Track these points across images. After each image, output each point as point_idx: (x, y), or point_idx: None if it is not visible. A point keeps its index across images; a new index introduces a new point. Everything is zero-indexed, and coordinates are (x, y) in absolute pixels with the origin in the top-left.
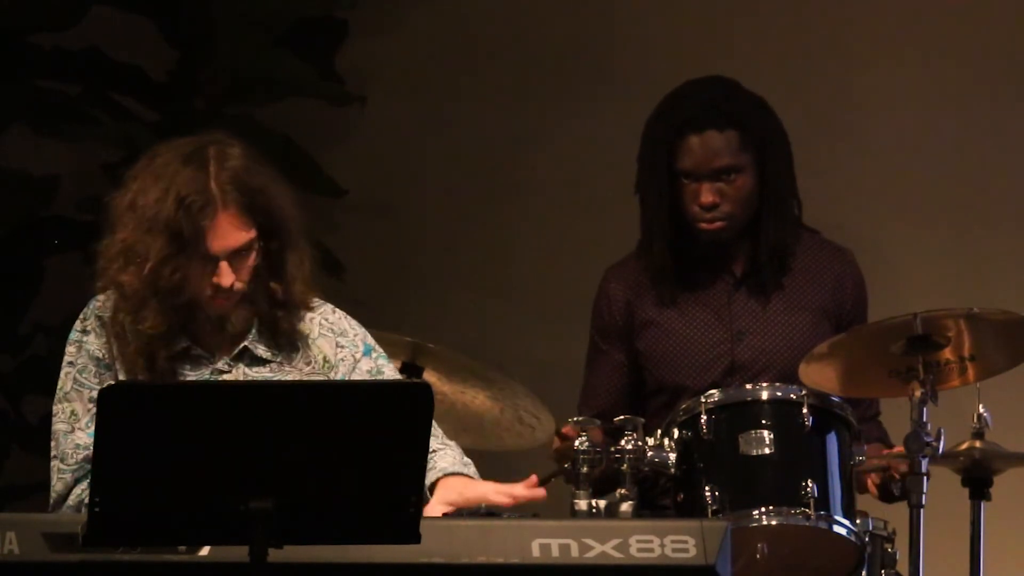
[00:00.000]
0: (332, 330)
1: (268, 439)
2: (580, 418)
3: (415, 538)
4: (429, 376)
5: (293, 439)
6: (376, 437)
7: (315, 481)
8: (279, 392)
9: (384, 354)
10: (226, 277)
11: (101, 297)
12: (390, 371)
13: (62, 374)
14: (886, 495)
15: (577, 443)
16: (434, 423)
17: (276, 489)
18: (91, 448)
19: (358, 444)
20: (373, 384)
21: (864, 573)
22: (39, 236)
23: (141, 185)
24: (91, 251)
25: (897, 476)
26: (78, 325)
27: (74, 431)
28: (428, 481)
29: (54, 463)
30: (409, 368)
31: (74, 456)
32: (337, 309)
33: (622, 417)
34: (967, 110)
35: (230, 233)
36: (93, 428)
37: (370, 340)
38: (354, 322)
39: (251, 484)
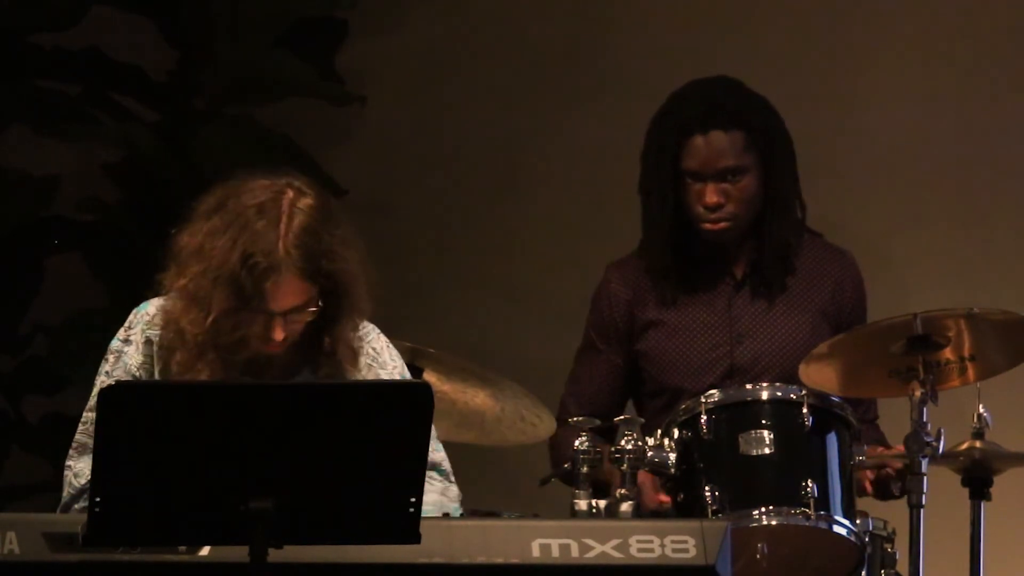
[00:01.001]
0: (375, 361)
1: (268, 439)
2: (580, 418)
3: (415, 538)
4: (429, 376)
5: (293, 439)
6: (376, 437)
7: (315, 481)
8: (279, 392)
9: None
10: (279, 332)
11: (152, 310)
12: None
13: (97, 381)
14: (883, 492)
15: (577, 443)
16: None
17: (276, 489)
18: None
19: (358, 444)
20: (373, 384)
21: (864, 573)
22: (39, 236)
23: (212, 228)
24: (153, 282)
25: (894, 473)
26: (121, 333)
27: None
28: None
29: (67, 473)
30: (409, 369)
31: (89, 474)
32: (381, 335)
33: (622, 417)
34: (968, 110)
35: (290, 294)
36: None
37: (406, 372)
38: (394, 352)
39: (251, 484)
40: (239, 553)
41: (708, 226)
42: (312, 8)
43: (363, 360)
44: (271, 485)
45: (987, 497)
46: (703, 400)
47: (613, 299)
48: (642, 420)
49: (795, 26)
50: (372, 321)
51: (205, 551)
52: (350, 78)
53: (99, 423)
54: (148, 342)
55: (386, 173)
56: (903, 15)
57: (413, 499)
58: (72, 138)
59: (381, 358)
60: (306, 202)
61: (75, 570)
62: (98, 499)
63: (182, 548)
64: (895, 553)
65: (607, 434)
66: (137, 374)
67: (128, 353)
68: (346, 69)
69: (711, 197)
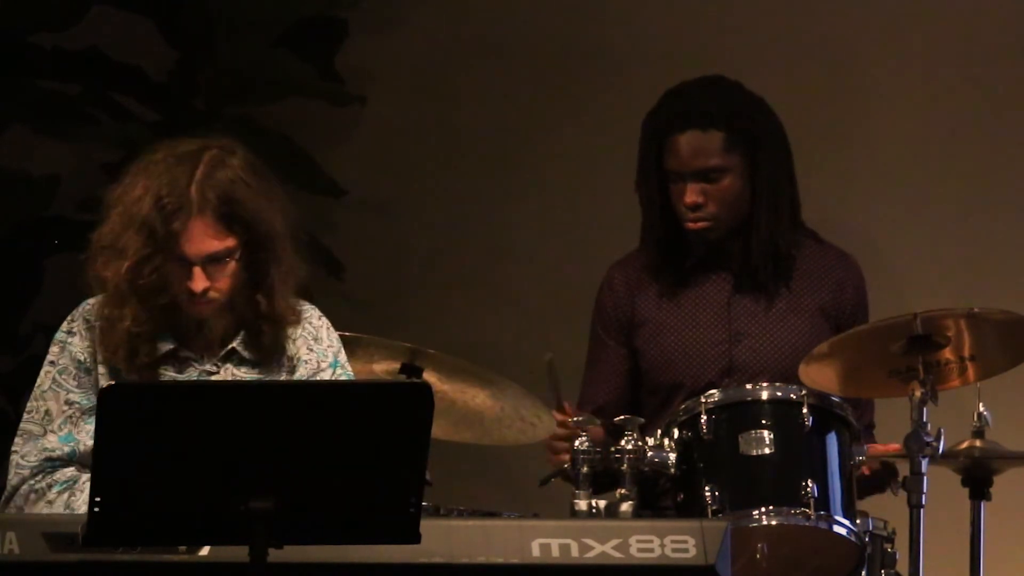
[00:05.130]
0: (311, 335)
1: (268, 439)
2: (580, 418)
3: (415, 538)
4: (428, 376)
5: (293, 439)
6: (376, 437)
7: (315, 481)
8: (279, 392)
9: (351, 373)
10: (198, 282)
11: (92, 300)
12: None
13: (42, 372)
14: (874, 486)
15: (577, 443)
16: None
17: (276, 489)
18: (56, 451)
19: (358, 444)
20: (373, 384)
21: (864, 573)
22: (39, 236)
23: (132, 180)
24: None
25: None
26: (65, 326)
27: (46, 434)
28: None
29: (14, 458)
30: (408, 369)
31: (37, 457)
32: (323, 316)
33: (622, 417)
34: (968, 109)
35: (203, 239)
36: (65, 431)
37: (342, 357)
38: (334, 335)
39: (251, 484)
40: (239, 553)
41: (689, 225)
42: (312, 8)
43: (299, 332)
44: (271, 485)
45: (987, 497)
46: (703, 400)
47: (615, 294)
48: (642, 420)
49: (795, 26)
50: (372, 319)
51: (205, 551)
52: (350, 78)
53: (99, 423)
54: (90, 328)
55: (386, 173)
56: (904, 15)
57: (413, 499)
58: (72, 138)
59: (318, 334)
60: (231, 158)
61: (75, 570)
62: (98, 499)
63: (182, 548)
64: (895, 553)
65: (612, 433)
66: (82, 358)
67: (72, 343)
68: (346, 69)
69: (689, 197)
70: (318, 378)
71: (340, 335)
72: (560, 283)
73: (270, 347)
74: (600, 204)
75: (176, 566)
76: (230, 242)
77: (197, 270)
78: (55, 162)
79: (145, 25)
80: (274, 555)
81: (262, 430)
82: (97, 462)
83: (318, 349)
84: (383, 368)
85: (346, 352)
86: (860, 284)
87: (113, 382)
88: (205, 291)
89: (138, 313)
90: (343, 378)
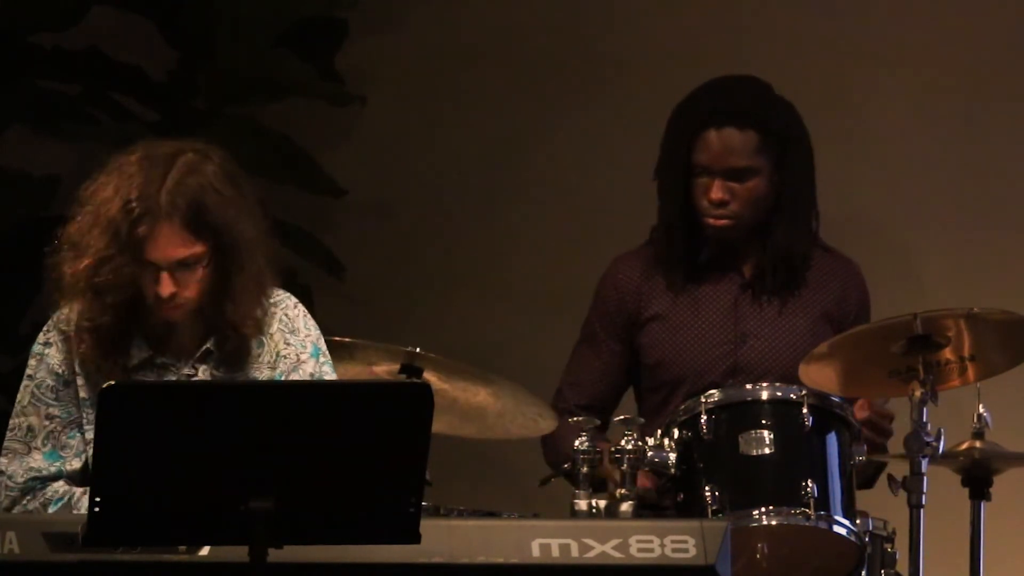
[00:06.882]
0: (287, 327)
1: (268, 439)
2: (580, 418)
3: (415, 538)
4: (429, 376)
5: (293, 439)
6: (376, 437)
7: (315, 481)
8: (279, 392)
9: (331, 361)
10: (165, 287)
11: (65, 310)
12: (331, 378)
13: (22, 386)
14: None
15: (577, 443)
16: None
17: (276, 489)
18: (42, 471)
19: (358, 444)
20: (373, 384)
21: (864, 573)
22: (39, 236)
23: (105, 179)
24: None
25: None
26: (40, 337)
27: (30, 452)
28: None
29: (1, 479)
30: (409, 369)
31: (24, 475)
32: (299, 304)
33: (621, 417)
34: (970, 110)
35: (170, 245)
36: (48, 448)
37: (321, 344)
38: (311, 322)
39: (251, 484)
40: (239, 553)
41: (711, 221)
42: (312, 8)
43: (275, 326)
44: (271, 485)
45: (987, 497)
46: (703, 400)
47: (620, 288)
48: (642, 420)
49: (799, 24)
50: (373, 319)
51: (205, 551)
52: (350, 78)
53: (99, 423)
54: (65, 339)
55: (386, 173)
56: (909, 17)
57: (413, 499)
58: (72, 138)
59: (294, 325)
60: (205, 166)
61: (75, 570)
62: (98, 499)
63: (182, 548)
64: (895, 553)
65: (602, 430)
66: (60, 371)
67: (49, 354)
68: (346, 69)
69: (716, 193)
70: (300, 370)
71: (339, 340)
72: (561, 283)
73: (235, 352)
74: (601, 204)
75: (176, 566)
76: (198, 249)
77: (164, 275)
78: (55, 162)
79: (145, 25)
80: (274, 555)
81: (262, 430)
82: (97, 462)
83: (295, 341)
84: (383, 369)
85: (345, 356)
86: (863, 291)
87: (111, 383)
88: (172, 296)
89: (88, 308)
90: (325, 367)
